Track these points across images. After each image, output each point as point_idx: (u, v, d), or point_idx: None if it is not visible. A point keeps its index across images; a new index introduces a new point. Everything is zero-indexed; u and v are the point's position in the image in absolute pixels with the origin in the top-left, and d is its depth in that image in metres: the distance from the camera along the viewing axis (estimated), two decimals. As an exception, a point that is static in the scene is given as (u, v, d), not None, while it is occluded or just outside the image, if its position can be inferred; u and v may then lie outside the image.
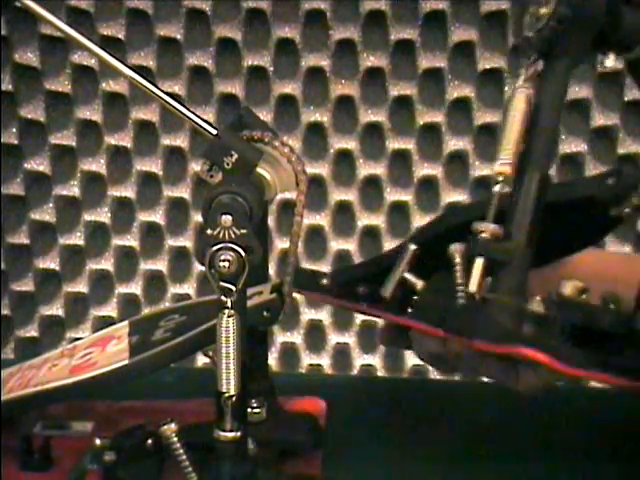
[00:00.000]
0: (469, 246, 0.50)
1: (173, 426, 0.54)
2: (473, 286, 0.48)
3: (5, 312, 0.99)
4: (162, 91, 0.52)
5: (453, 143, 0.95)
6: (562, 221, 0.52)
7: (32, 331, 1.00)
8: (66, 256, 0.99)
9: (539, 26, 0.48)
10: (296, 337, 1.00)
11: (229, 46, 0.92)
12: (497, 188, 0.48)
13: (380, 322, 0.68)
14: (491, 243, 0.48)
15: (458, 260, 0.51)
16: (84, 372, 0.60)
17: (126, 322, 0.66)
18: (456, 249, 0.51)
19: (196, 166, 0.95)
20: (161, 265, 0.99)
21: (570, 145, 0.94)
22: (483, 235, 0.48)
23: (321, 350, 1.00)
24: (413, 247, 0.56)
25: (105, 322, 0.99)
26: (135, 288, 0.99)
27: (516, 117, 0.48)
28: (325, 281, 0.61)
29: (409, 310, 0.55)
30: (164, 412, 0.62)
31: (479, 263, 0.48)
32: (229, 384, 0.51)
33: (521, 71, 0.49)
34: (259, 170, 0.52)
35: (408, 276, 0.56)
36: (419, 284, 0.55)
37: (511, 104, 0.48)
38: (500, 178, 0.48)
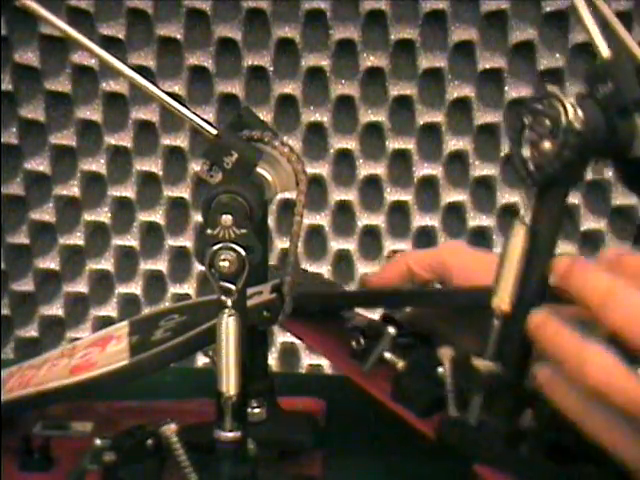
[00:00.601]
0: (457, 351, 0.51)
1: (173, 426, 0.54)
2: (472, 418, 0.50)
3: (5, 312, 0.99)
4: (162, 91, 0.52)
5: (453, 143, 0.95)
6: None
7: (32, 331, 1.00)
8: (66, 256, 0.99)
9: (541, 161, 0.45)
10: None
11: (229, 46, 0.92)
12: (496, 324, 0.48)
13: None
14: (491, 380, 0.48)
15: (447, 366, 0.51)
16: (84, 372, 0.60)
17: (126, 322, 0.66)
18: (444, 354, 0.52)
19: (196, 166, 0.95)
20: (161, 265, 0.99)
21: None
22: (482, 372, 0.49)
23: (321, 350, 1.00)
24: (392, 331, 0.56)
25: (105, 322, 0.99)
26: (135, 288, 0.99)
27: (516, 253, 0.47)
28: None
29: (392, 390, 0.56)
30: (164, 412, 0.62)
31: (477, 399, 0.49)
32: (229, 384, 0.51)
33: (523, 202, 0.47)
34: (259, 170, 0.52)
35: (388, 355, 0.56)
36: (400, 364, 0.56)
37: (509, 240, 0.47)
38: (499, 314, 0.48)
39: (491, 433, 0.50)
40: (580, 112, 0.44)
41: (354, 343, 0.58)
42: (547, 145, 0.45)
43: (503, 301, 0.47)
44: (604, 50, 0.46)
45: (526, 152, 0.46)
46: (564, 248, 0.96)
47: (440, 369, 0.52)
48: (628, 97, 0.44)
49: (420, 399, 0.54)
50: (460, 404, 0.51)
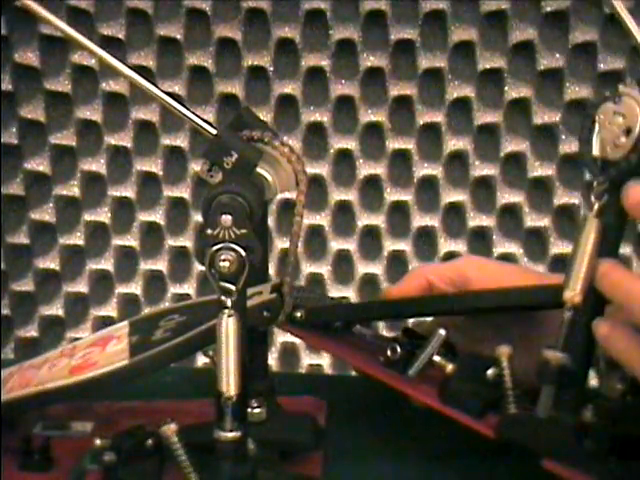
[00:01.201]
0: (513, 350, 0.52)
1: (173, 426, 0.54)
2: (541, 411, 0.50)
3: (5, 312, 0.99)
4: (162, 91, 0.52)
5: (453, 143, 0.95)
6: None
7: (32, 331, 1.00)
8: (66, 256, 0.99)
9: (617, 156, 0.47)
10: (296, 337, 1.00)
11: (229, 46, 0.92)
12: (568, 315, 0.49)
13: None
14: (562, 372, 0.49)
15: (505, 364, 0.52)
16: (84, 372, 0.60)
17: (126, 322, 0.66)
18: (503, 352, 0.52)
19: (196, 166, 0.95)
20: (161, 265, 0.99)
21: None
22: (552, 363, 0.49)
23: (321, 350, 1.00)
24: (443, 332, 0.56)
25: (105, 322, 0.99)
26: (135, 288, 0.99)
27: (587, 247, 0.48)
28: (299, 314, 0.61)
29: (440, 394, 0.56)
30: (164, 412, 0.62)
31: (549, 391, 0.50)
32: (229, 384, 0.51)
33: (591, 200, 0.49)
34: (259, 170, 0.52)
35: (437, 358, 0.56)
36: (449, 367, 0.56)
37: (582, 234, 0.48)
38: (570, 306, 0.49)
39: (560, 427, 0.50)
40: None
41: (389, 352, 0.58)
42: (623, 140, 0.47)
43: (575, 293, 0.48)
44: None
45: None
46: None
47: (490, 371, 0.53)
48: None
49: (474, 400, 0.54)
50: (519, 402, 0.52)
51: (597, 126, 0.48)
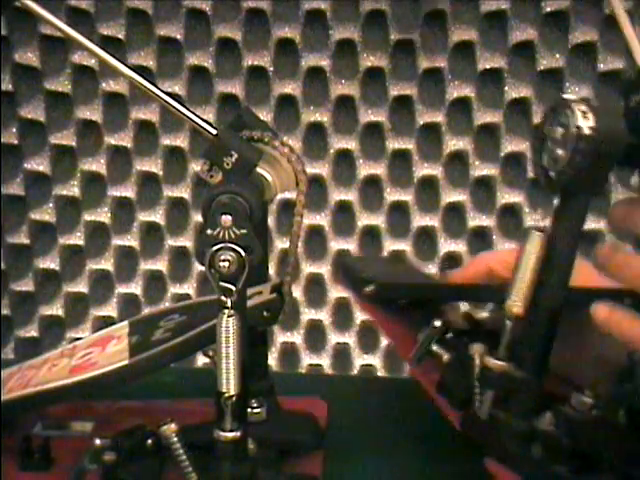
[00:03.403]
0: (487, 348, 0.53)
1: (173, 426, 0.54)
2: (483, 414, 0.51)
3: (5, 312, 0.99)
4: (162, 91, 0.52)
5: (453, 143, 0.95)
6: None
7: (32, 331, 1.00)
8: (66, 256, 0.99)
9: (558, 168, 0.46)
10: (296, 337, 1.00)
11: (229, 46, 0.92)
12: (508, 324, 0.49)
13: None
14: (501, 378, 0.50)
15: (477, 362, 0.53)
16: (84, 372, 0.60)
17: (126, 322, 0.66)
18: (476, 350, 0.53)
19: (196, 166, 0.95)
20: (161, 265, 0.99)
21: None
22: (493, 370, 0.50)
23: (321, 350, 1.00)
24: (438, 324, 0.57)
25: (105, 322, 0.99)
26: (135, 288, 1.00)
27: (530, 259, 0.48)
28: (368, 289, 0.61)
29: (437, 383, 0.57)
30: (164, 412, 0.62)
31: (489, 395, 0.51)
32: (229, 384, 0.51)
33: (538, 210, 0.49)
34: (259, 170, 0.52)
35: (435, 347, 0.58)
36: (445, 356, 0.57)
37: (526, 245, 0.49)
38: (511, 315, 0.49)
39: (502, 430, 0.50)
40: (592, 118, 0.44)
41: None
42: (560, 152, 0.45)
43: (515, 305, 0.49)
44: (639, 60, 0.46)
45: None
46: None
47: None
48: None
49: (456, 392, 0.55)
50: (496, 401, 0.52)
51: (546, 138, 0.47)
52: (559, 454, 0.50)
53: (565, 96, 0.46)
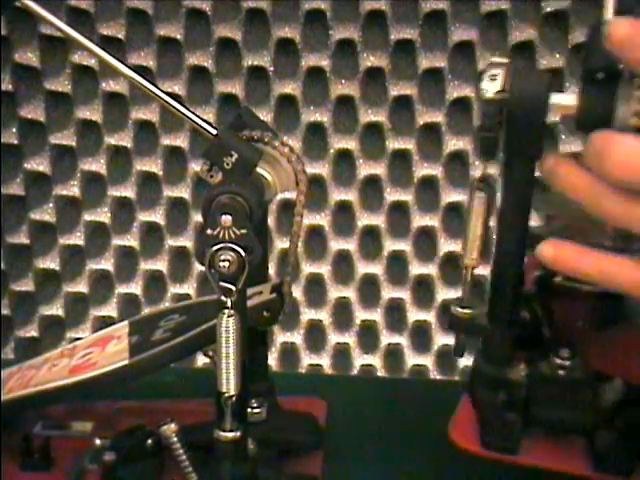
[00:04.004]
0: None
1: (173, 426, 0.54)
2: (458, 355, 0.56)
3: (5, 312, 0.99)
4: (162, 91, 0.52)
5: (453, 143, 0.95)
6: None
7: (32, 331, 1.00)
8: (66, 256, 0.99)
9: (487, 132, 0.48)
10: (296, 337, 1.00)
11: (229, 46, 0.92)
12: (469, 278, 0.54)
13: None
14: (463, 324, 0.55)
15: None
16: (84, 372, 0.60)
17: (126, 322, 0.66)
18: (451, 300, 0.58)
19: (196, 166, 0.95)
20: (161, 265, 0.99)
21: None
22: (457, 317, 0.55)
23: (321, 350, 1.00)
24: None
25: (105, 322, 0.98)
26: (135, 288, 0.99)
27: (477, 219, 0.52)
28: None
29: None
30: (164, 412, 0.62)
31: (460, 338, 0.56)
32: (229, 384, 0.51)
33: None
34: (259, 170, 0.52)
35: None
36: None
37: (471, 209, 0.52)
38: (469, 270, 0.54)
39: (474, 373, 0.55)
40: (500, 82, 0.46)
41: None
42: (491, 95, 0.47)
43: (469, 258, 0.53)
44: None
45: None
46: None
47: None
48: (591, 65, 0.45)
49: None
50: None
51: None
52: (519, 404, 0.53)
53: (492, 59, 0.48)
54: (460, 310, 0.54)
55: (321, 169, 0.96)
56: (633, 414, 0.54)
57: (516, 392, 0.53)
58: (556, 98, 0.47)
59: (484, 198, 0.52)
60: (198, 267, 0.98)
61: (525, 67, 0.50)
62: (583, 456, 0.55)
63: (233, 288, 0.50)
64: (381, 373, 1.00)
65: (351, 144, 0.95)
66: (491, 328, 0.53)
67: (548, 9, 0.90)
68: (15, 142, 0.95)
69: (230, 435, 0.52)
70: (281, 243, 0.96)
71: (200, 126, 0.51)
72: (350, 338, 1.00)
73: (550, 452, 0.56)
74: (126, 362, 0.59)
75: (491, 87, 0.46)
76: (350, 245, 0.98)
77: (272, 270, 0.93)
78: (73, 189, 0.97)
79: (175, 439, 0.54)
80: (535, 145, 0.48)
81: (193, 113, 0.52)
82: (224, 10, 0.91)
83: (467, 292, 0.54)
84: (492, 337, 0.54)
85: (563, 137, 0.93)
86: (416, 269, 0.98)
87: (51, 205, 0.97)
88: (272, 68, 0.93)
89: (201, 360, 0.93)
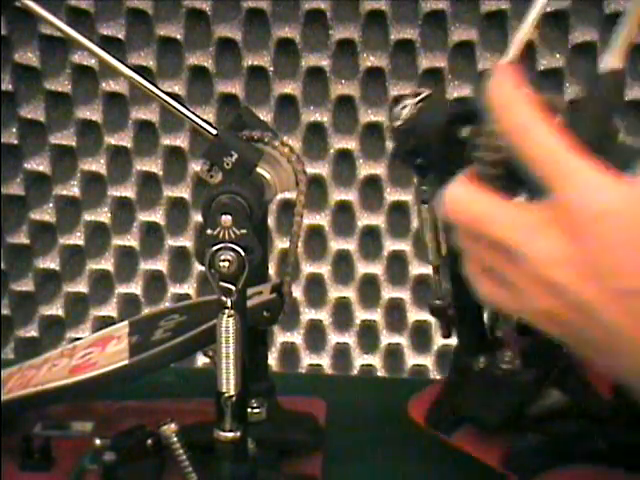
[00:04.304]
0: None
1: (173, 426, 0.54)
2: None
3: (5, 312, 0.99)
4: (162, 91, 0.52)
5: (453, 143, 0.95)
6: None
7: (32, 331, 1.00)
8: (66, 256, 0.99)
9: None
10: (296, 337, 1.00)
11: (229, 46, 0.92)
12: (436, 275, 0.61)
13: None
14: (435, 312, 0.63)
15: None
16: (84, 372, 0.60)
17: (126, 322, 0.66)
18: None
19: (196, 166, 0.95)
20: (161, 265, 0.99)
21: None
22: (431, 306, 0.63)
23: (321, 350, 1.00)
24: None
25: (105, 322, 0.98)
26: (135, 288, 0.99)
27: (426, 227, 0.59)
28: None
29: None
30: (164, 412, 0.62)
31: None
32: (229, 384, 0.51)
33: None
34: (259, 170, 0.52)
35: None
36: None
37: (419, 218, 0.59)
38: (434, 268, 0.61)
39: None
40: (408, 111, 0.53)
41: None
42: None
43: (431, 260, 0.60)
44: None
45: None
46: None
47: None
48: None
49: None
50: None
51: None
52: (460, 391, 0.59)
53: (416, 91, 0.54)
54: (435, 302, 0.62)
55: (321, 169, 0.96)
56: (557, 425, 0.57)
57: (461, 380, 0.59)
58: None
59: (427, 208, 0.57)
60: (198, 267, 0.98)
61: (432, 97, 0.54)
62: (501, 453, 0.59)
63: (233, 288, 0.50)
64: (381, 373, 1.00)
65: (351, 144, 0.95)
66: (458, 316, 0.59)
67: (548, 9, 0.90)
68: (15, 142, 0.95)
69: (230, 435, 0.52)
70: (281, 243, 0.96)
71: (200, 126, 0.51)
72: (350, 338, 1.00)
73: (478, 441, 0.59)
74: (126, 362, 0.59)
75: (400, 116, 0.53)
76: (350, 245, 0.98)
77: (272, 270, 0.93)
78: (73, 189, 0.97)
79: (175, 439, 0.54)
80: (442, 165, 0.52)
81: (193, 113, 0.52)
82: (224, 10, 0.91)
83: (437, 286, 0.61)
84: (461, 327, 0.60)
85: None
86: (416, 269, 0.98)
87: (51, 205, 0.97)
88: (272, 68, 0.93)
89: (201, 360, 0.93)
